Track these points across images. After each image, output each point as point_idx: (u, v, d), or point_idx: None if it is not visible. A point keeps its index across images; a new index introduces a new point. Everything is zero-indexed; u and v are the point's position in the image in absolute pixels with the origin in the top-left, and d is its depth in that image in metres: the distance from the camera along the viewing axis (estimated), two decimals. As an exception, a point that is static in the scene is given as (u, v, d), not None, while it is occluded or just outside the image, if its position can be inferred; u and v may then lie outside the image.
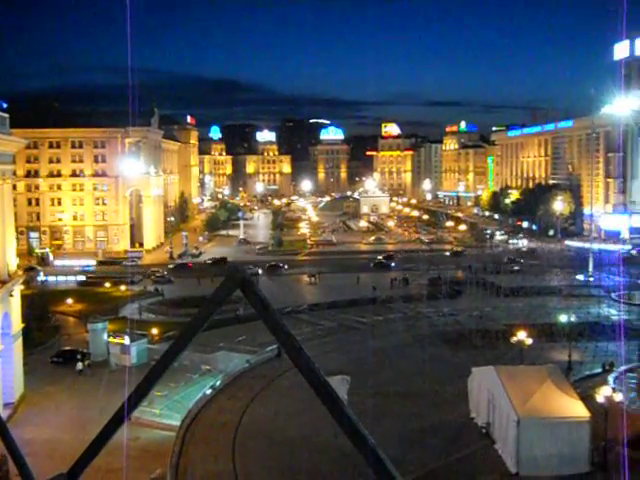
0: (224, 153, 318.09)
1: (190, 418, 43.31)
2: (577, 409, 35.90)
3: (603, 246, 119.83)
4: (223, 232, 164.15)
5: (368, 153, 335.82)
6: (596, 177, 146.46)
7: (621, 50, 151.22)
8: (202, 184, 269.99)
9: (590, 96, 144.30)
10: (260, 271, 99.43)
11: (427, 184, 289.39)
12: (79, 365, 54.34)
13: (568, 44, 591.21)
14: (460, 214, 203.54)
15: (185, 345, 3.58)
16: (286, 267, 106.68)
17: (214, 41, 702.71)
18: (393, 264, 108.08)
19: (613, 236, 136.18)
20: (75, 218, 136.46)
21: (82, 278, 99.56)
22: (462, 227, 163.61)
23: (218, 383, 50.11)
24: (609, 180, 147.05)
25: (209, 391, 48.35)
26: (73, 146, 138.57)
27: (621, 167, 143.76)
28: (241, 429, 41.95)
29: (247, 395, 47.85)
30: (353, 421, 3.31)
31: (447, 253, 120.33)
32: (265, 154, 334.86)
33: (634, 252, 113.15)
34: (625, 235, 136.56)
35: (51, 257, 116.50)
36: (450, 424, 41.41)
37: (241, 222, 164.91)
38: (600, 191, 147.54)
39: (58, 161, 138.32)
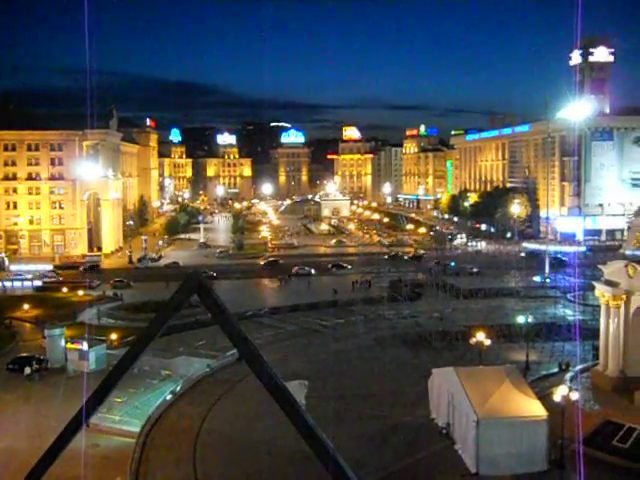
0: (184, 156, 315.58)
1: (150, 424, 42.81)
2: (535, 408, 36.52)
3: (559, 248, 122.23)
4: (183, 236, 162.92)
5: (329, 156, 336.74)
6: (552, 180, 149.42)
7: (576, 57, 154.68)
8: (162, 187, 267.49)
9: (546, 101, 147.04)
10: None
11: (387, 187, 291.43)
12: (27, 370, 53.14)
13: (526, 50, 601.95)
14: (420, 217, 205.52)
15: (142, 350, 3.60)
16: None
17: (175, 43, 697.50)
18: (349, 267, 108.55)
19: (569, 238, 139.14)
20: (31, 222, 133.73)
21: (39, 283, 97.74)
22: (422, 230, 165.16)
23: (178, 388, 49.65)
24: (564, 183, 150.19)
25: (169, 396, 47.87)
26: (29, 149, 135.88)
27: (575, 171, 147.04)
28: (202, 434, 41.63)
29: (208, 400, 47.49)
30: (311, 425, 3.36)
31: (406, 257, 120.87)
32: (226, 157, 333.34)
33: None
34: (580, 237, 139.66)
35: (7, 262, 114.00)
36: (411, 425, 41.73)
37: (201, 226, 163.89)
38: (556, 194, 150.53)
39: (13, 164, 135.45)
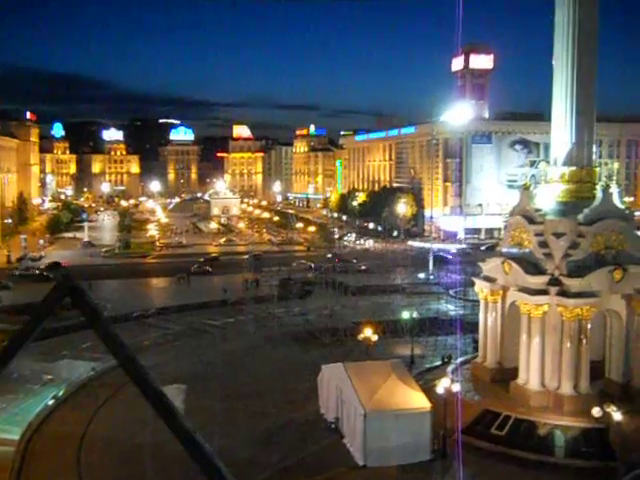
0: (68, 152, 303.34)
1: (31, 431, 40.94)
2: (419, 401, 37.84)
3: (442, 246, 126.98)
4: (66, 235, 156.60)
5: (219, 154, 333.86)
6: (436, 181, 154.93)
7: (457, 63, 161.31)
8: (43, 184, 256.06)
9: (431, 104, 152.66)
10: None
11: (277, 186, 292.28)
12: None
13: (413, 55, 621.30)
14: (310, 216, 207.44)
15: (12, 356, 3.47)
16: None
17: (58, 33, 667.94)
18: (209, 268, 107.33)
19: (451, 236, 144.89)
20: None
21: None
22: (311, 228, 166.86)
23: (61, 393, 47.73)
24: (447, 184, 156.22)
25: (51, 402, 45.96)
26: None
27: (458, 172, 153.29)
28: (87, 440, 40.26)
29: (93, 404, 45.95)
30: (188, 430, 3.36)
31: (297, 258, 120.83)
32: (112, 153, 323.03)
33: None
34: (461, 235, 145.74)
35: None
36: (300, 421, 42.16)
37: (85, 224, 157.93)
38: (439, 194, 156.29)
39: None
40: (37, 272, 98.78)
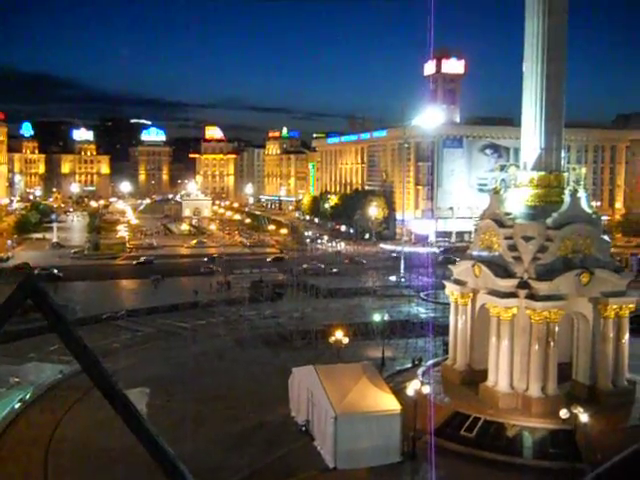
0: (37, 151, 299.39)
1: (-4, 435, 40.28)
2: (390, 403, 38.01)
3: (413, 249, 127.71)
4: (35, 235, 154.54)
5: (191, 156, 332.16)
6: (407, 184, 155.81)
7: (429, 68, 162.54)
8: (11, 184, 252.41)
9: (403, 108, 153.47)
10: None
11: (249, 188, 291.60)
12: None
13: (385, 58, 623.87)
14: (282, 218, 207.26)
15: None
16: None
17: (28, 32, 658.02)
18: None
19: (422, 239, 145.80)
20: None
21: None
22: (284, 231, 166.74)
23: (28, 396, 46.99)
24: (419, 187, 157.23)
25: (18, 405, 45.24)
26: None
27: (429, 176, 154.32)
28: (54, 444, 39.69)
29: (60, 407, 45.30)
30: (151, 434, 3.36)
31: (269, 259, 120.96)
32: (82, 153, 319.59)
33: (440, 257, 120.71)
34: (432, 238, 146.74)
35: None
36: (271, 424, 42.07)
37: (54, 225, 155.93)
38: (411, 197, 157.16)
39: None
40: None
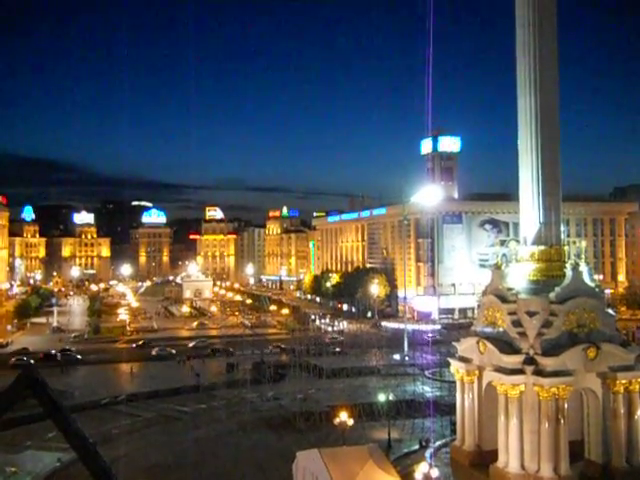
0: (37, 235, 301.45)
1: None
2: (397, 487, 36.70)
3: (416, 326, 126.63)
4: (35, 320, 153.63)
5: (191, 237, 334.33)
6: (408, 261, 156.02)
7: (426, 146, 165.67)
8: (12, 268, 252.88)
9: (401, 185, 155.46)
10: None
11: (250, 268, 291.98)
12: None
13: (382, 137, 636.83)
14: (283, 298, 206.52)
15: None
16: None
17: (29, 117, 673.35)
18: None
19: (425, 316, 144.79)
20: None
21: None
22: (285, 311, 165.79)
23: (24, 487, 45.54)
24: (420, 264, 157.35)
25: (13, 497, 43.76)
26: None
27: (430, 252, 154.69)
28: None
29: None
30: None
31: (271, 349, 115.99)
32: (83, 237, 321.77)
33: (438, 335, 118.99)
34: (435, 316, 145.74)
35: None
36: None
37: (55, 309, 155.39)
38: (412, 274, 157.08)
39: None
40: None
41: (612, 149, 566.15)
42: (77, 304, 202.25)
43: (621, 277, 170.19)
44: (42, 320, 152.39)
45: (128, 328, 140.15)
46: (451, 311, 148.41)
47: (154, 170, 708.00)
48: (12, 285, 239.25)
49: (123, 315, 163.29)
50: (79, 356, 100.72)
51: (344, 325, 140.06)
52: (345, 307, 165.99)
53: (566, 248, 47.16)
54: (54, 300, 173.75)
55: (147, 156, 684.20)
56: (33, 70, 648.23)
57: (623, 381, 41.48)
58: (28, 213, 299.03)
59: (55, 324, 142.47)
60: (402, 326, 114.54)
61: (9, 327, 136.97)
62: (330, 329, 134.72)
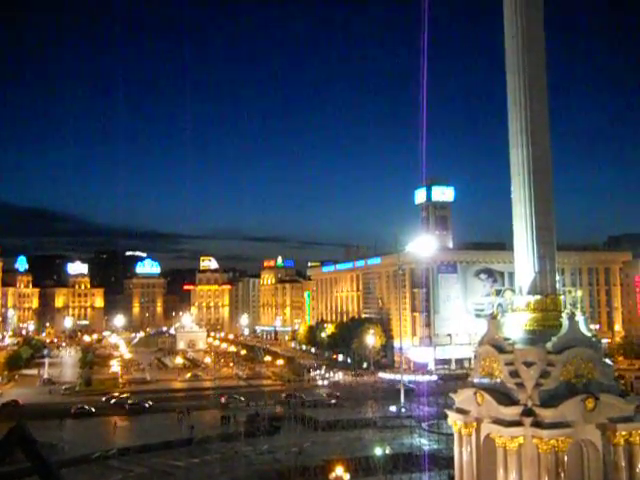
0: (31, 285, 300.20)
1: None
2: None
3: (413, 377, 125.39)
4: (26, 371, 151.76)
5: (186, 287, 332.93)
6: (404, 311, 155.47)
7: (420, 196, 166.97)
8: (4, 319, 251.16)
9: (396, 235, 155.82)
10: None
11: (245, 319, 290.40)
12: None
13: (376, 187, 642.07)
14: (278, 349, 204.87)
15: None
16: None
17: (23, 168, 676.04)
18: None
19: (422, 367, 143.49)
20: None
21: None
22: (280, 362, 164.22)
23: None
24: (415, 314, 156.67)
25: None
26: None
27: (425, 302, 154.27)
28: None
29: None
30: None
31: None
32: (76, 287, 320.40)
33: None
34: (432, 366, 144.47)
35: None
36: None
37: (46, 360, 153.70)
38: (408, 324, 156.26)
39: None
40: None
41: (605, 199, 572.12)
42: (69, 355, 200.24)
43: (617, 326, 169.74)
44: (33, 372, 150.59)
45: (120, 380, 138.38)
46: (448, 362, 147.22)
47: (149, 220, 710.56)
48: (4, 336, 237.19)
49: (116, 367, 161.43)
50: (93, 409, 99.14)
51: (339, 376, 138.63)
52: (340, 357, 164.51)
53: (562, 297, 47.00)
54: (46, 351, 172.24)
55: (142, 206, 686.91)
56: (28, 121, 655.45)
57: (623, 432, 40.81)
58: (22, 263, 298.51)
59: (46, 376, 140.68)
60: (398, 377, 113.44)
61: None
62: (323, 382, 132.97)
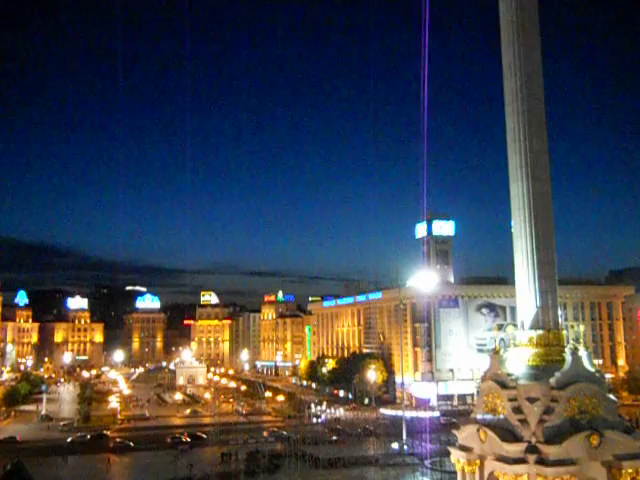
0: (30, 320, 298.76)
1: None
2: None
3: (414, 413, 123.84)
4: (23, 407, 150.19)
5: (186, 322, 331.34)
6: (405, 346, 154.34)
7: (421, 230, 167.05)
8: (3, 354, 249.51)
9: (397, 270, 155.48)
10: None
11: (245, 354, 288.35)
12: None
13: (377, 222, 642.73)
14: (278, 384, 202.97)
15: None
16: None
17: (23, 202, 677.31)
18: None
19: (424, 403, 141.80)
20: None
21: None
22: (280, 397, 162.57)
23: None
24: (417, 349, 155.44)
25: None
26: None
27: (427, 337, 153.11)
28: None
29: None
30: None
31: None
32: (76, 322, 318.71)
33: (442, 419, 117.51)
34: (434, 402, 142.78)
35: None
36: None
37: (44, 396, 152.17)
38: (409, 359, 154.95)
39: None
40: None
41: (607, 233, 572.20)
42: (67, 391, 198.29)
43: (621, 361, 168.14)
44: (31, 408, 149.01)
45: (119, 416, 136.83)
46: (450, 397, 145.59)
47: (149, 255, 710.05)
48: (2, 371, 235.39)
49: (114, 403, 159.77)
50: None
51: (341, 412, 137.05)
52: (342, 393, 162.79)
53: (564, 332, 46.61)
54: (44, 387, 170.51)
55: (142, 241, 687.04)
56: (28, 156, 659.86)
57: (629, 470, 40.03)
58: (22, 298, 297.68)
59: (44, 412, 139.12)
60: (400, 413, 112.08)
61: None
62: (323, 418, 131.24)
